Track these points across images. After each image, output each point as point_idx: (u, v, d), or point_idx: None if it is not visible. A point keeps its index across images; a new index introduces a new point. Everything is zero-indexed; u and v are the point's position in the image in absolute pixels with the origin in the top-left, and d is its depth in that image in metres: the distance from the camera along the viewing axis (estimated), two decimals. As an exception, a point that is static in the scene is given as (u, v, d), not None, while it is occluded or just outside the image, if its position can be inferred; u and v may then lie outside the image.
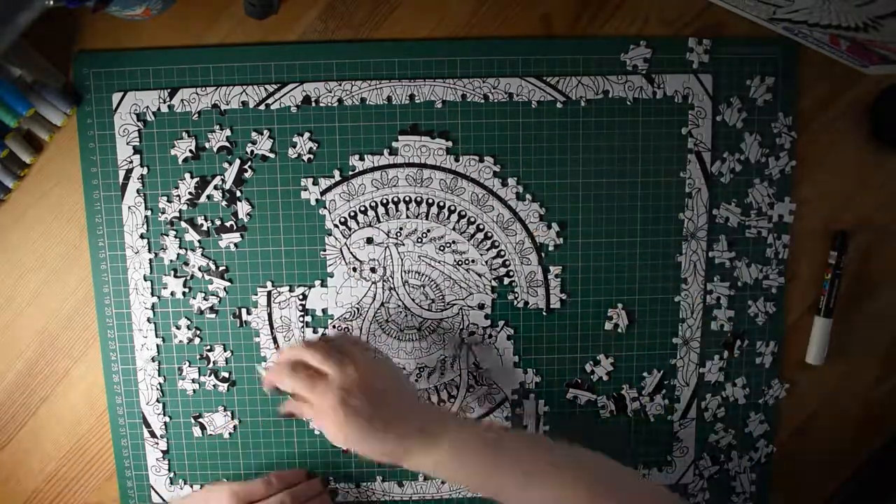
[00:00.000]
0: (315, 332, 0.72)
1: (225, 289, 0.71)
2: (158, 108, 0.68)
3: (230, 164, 0.69)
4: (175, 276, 0.70)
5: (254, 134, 0.69)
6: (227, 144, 0.69)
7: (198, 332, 0.71)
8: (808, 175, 0.72)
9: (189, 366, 0.72)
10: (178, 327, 0.71)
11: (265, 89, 0.68)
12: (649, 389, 0.73)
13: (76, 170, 0.70)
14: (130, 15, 0.64)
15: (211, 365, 0.72)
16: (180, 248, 0.70)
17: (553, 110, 0.70)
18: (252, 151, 0.69)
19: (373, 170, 0.70)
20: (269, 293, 0.71)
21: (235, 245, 0.70)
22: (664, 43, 0.69)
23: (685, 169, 0.71)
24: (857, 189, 0.73)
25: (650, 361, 0.73)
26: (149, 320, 0.71)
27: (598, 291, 0.72)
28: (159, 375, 0.72)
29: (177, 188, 0.70)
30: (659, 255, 0.72)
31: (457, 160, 0.70)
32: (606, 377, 0.73)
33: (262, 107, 0.68)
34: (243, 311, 0.71)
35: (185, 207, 0.70)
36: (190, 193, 0.70)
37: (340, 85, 0.68)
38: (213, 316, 0.71)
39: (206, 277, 0.71)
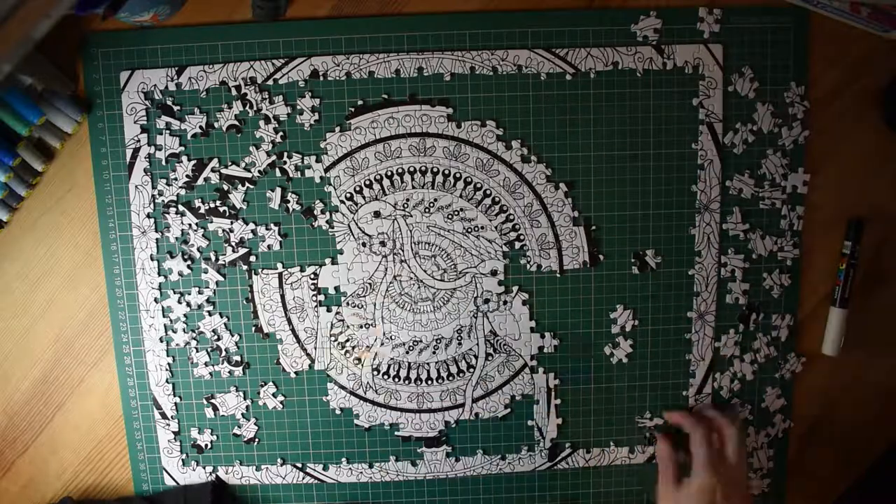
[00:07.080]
0: (329, 310, 0.71)
1: (217, 283, 0.70)
2: (166, 87, 0.68)
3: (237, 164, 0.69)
4: (182, 258, 0.70)
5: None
6: (237, 123, 0.69)
7: (207, 313, 0.71)
8: (820, 158, 0.72)
9: (197, 351, 0.71)
10: (186, 307, 0.71)
11: (272, 64, 0.68)
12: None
13: (88, 176, 0.70)
14: (139, 21, 0.65)
15: (223, 354, 0.71)
16: (183, 225, 0.70)
17: (563, 82, 0.69)
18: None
19: (375, 142, 0.70)
20: (279, 274, 0.71)
21: (224, 231, 0.70)
22: (674, 13, 0.69)
23: (697, 140, 0.70)
24: (871, 176, 0.72)
25: (665, 336, 0.72)
26: (156, 300, 0.70)
27: (612, 255, 0.72)
28: (168, 356, 0.71)
29: (174, 171, 0.69)
30: (672, 228, 0.71)
31: (458, 126, 0.69)
32: (626, 360, 0.72)
33: (269, 82, 0.68)
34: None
35: (182, 191, 0.69)
36: (187, 176, 0.69)
37: (348, 58, 0.68)
38: (218, 301, 0.71)
39: (203, 266, 0.70)
